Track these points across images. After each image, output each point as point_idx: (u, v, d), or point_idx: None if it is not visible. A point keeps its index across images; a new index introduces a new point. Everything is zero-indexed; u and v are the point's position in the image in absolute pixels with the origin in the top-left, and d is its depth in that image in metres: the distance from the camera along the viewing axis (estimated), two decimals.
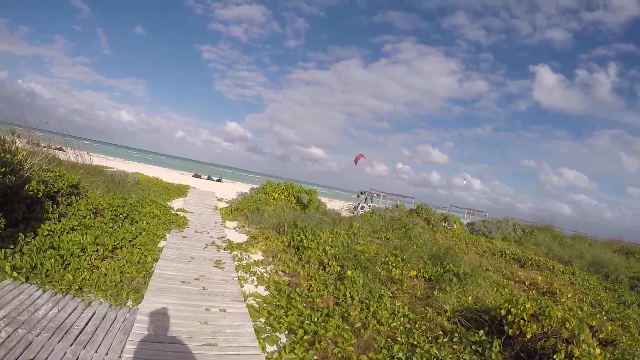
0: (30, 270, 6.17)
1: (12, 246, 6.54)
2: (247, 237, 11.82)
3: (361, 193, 35.56)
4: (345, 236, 12.14)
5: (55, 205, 8.77)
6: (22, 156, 8.18)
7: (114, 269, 6.94)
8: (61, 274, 6.16)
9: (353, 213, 25.19)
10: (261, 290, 7.75)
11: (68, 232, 7.78)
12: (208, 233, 11.13)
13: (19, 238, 6.75)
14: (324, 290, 7.81)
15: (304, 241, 10.40)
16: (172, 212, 12.93)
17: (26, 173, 7.93)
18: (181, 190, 20.36)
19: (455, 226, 21.89)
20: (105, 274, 6.67)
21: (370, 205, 32.97)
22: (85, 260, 6.88)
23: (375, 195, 36.71)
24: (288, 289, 7.65)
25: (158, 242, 9.34)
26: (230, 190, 30.62)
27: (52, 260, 6.40)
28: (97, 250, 7.31)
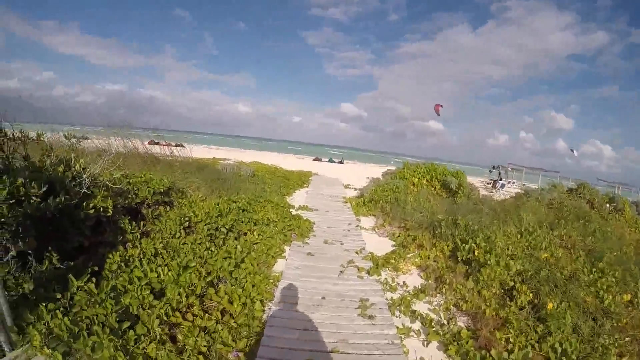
0: (72, 339, 3.60)
1: (58, 295, 4.16)
2: (392, 242, 8.76)
3: (494, 167, 31.93)
4: (519, 236, 8.59)
5: (135, 223, 6.38)
6: (80, 165, 5.78)
7: (199, 331, 4.18)
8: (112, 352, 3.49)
9: (492, 192, 21.63)
10: (433, 351, 4.65)
11: (146, 262, 5.34)
12: (341, 243, 8.12)
13: (71, 282, 4.29)
14: (525, 343, 4.63)
15: (476, 252, 7.02)
16: (293, 212, 10.25)
17: (84, 188, 5.52)
18: (302, 179, 17.99)
19: (625, 209, 16.77)
20: (184, 346, 3.93)
21: (514, 183, 28.56)
22: (158, 318, 4.16)
23: (509, 170, 32.64)
24: (479, 354, 4.37)
25: (272, 266, 6.63)
26: (355, 173, 27.94)
27: (109, 319, 3.85)
28: (179, 294, 4.59)
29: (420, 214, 10.37)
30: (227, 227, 7.22)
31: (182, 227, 6.73)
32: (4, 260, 4.25)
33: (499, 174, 30.07)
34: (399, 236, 9.00)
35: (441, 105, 28.85)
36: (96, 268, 4.84)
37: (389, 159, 79.42)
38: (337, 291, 5.74)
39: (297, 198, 12.99)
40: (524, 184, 30.35)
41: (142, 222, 6.57)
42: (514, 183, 29.53)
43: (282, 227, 8.26)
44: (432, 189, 14.36)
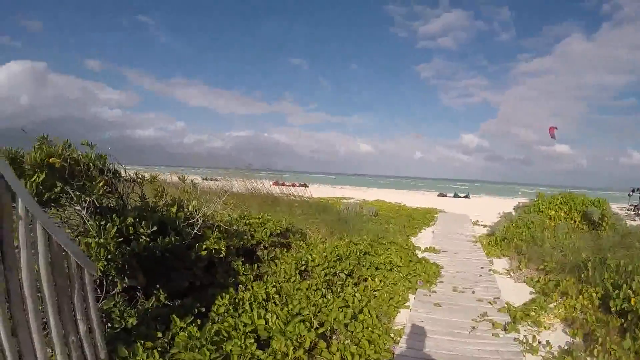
0: None
1: (159, 334, 3.98)
2: (530, 289, 7.58)
3: (633, 191, 27.22)
4: None
5: (249, 264, 6.11)
6: (193, 207, 5.69)
7: None
8: None
9: (635, 220, 18.96)
10: None
11: (257, 306, 4.95)
12: (473, 292, 7.06)
13: (174, 321, 4.08)
14: None
15: (633, 300, 5.61)
16: (418, 254, 9.42)
17: (195, 229, 5.37)
18: (427, 217, 17.03)
19: None
20: None
21: None
22: None
23: None
24: None
25: (394, 318, 5.88)
26: (483, 208, 26.14)
27: None
28: (285, 346, 4.04)
29: (561, 253, 8.99)
30: (347, 272, 6.65)
31: (297, 271, 6.30)
32: (111, 293, 4.33)
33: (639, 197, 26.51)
34: (538, 281, 7.75)
35: (556, 128, 26.33)
36: (203, 309, 4.67)
37: (517, 189, 75.43)
38: (469, 353, 4.81)
39: (423, 238, 12.12)
40: None
41: (256, 264, 6.28)
42: None
43: (407, 273, 7.46)
44: (572, 221, 12.59)
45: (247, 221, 7.53)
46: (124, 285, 4.48)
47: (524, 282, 8.05)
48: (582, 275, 7.26)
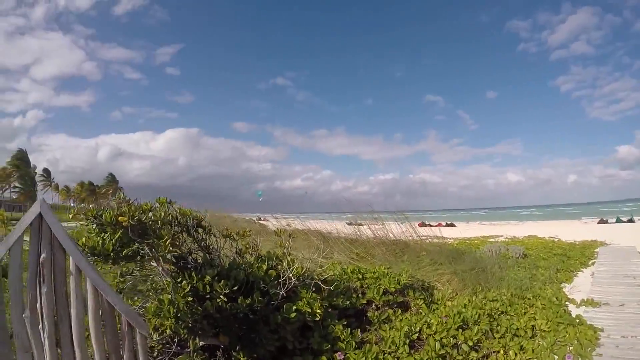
0: None
1: None
2: None
3: None
4: None
5: (352, 328, 5.27)
6: (288, 264, 5.13)
7: None
8: None
9: None
10: None
11: None
12: None
13: None
14: None
15: None
16: (572, 309, 7.67)
17: (283, 290, 4.82)
18: (586, 254, 14.49)
19: None
20: None
21: None
22: None
23: None
24: None
25: None
26: None
27: None
28: None
29: None
30: (472, 343, 5.33)
31: (408, 340, 5.22)
32: (187, 350, 4.39)
33: None
34: None
35: None
36: None
37: None
38: None
39: (580, 284, 10.00)
40: None
41: (358, 329, 5.35)
42: None
43: (553, 342, 5.75)
44: None
45: (360, 275, 6.68)
46: (197, 344, 4.44)
47: None
48: None
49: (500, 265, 10.71)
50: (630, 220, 35.64)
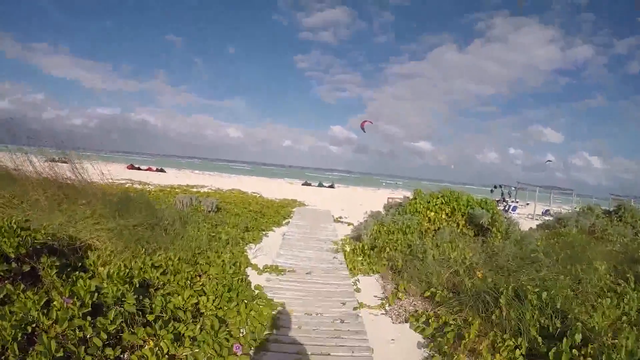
0: None
1: None
2: (417, 336, 5.04)
3: (495, 187, 28.55)
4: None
5: None
6: None
7: None
8: None
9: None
10: None
11: None
12: (328, 355, 4.26)
13: None
14: None
15: None
16: (253, 276, 6.45)
17: None
18: (282, 213, 14.08)
19: None
20: None
21: (527, 205, 25.53)
22: None
23: (513, 188, 29.47)
24: None
25: None
26: (347, 200, 24.19)
27: None
28: None
29: (450, 270, 6.64)
30: (105, 337, 3.23)
31: (22, 335, 2.85)
32: None
33: (502, 193, 27.83)
34: (426, 320, 5.25)
35: (371, 122, 27.79)
36: None
37: (380, 181, 77.91)
38: None
39: (268, 245, 9.10)
40: (527, 203, 28.37)
41: None
42: (527, 204, 28.38)
43: (219, 327, 4.02)
44: (455, 225, 10.45)
45: None
46: None
47: (406, 322, 5.44)
48: (494, 316, 4.76)
49: (186, 220, 8.96)
50: (331, 187, 39.26)
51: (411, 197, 11.57)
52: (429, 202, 10.88)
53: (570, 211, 13.96)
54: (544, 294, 4.88)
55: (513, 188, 29.17)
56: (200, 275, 5.66)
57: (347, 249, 9.32)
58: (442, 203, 10.77)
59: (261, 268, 6.96)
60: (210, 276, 5.64)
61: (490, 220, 9.76)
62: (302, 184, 39.50)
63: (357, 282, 6.92)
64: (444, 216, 10.51)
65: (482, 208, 10.38)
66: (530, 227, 12.41)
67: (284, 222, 12.65)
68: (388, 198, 15.51)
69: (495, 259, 7.53)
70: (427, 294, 6.14)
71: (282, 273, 6.85)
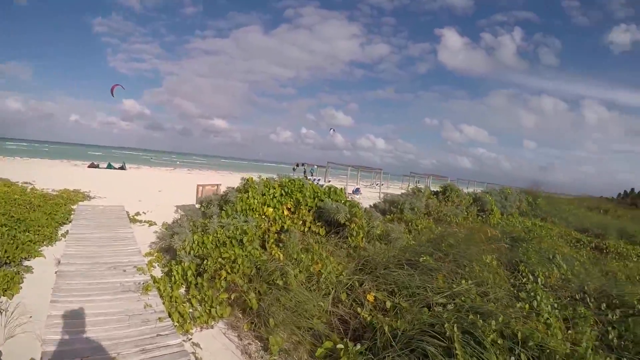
0: None
1: None
2: None
3: (298, 165, 29.08)
4: None
5: None
6: None
7: None
8: None
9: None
10: None
11: None
12: None
13: None
14: None
15: None
16: None
17: None
18: (55, 218, 9.66)
19: (493, 210, 14.50)
20: None
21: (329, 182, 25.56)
22: None
23: (315, 166, 30.63)
24: None
25: None
26: (146, 186, 20.02)
27: None
28: None
29: (328, 296, 4.58)
30: None
31: None
32: None
33: (304, 171, 28.23)
34: None
35: (123, 87, 28.41)
36: None
37: (175, 160, 73.45)
38: None
39: (33, 301, 5.30)
40: (329, 180, 27.53)
41: None
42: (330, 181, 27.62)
43: None
44: (301, 223, 8.23)
45: None
46: None
47: None
48: None
49: None
50: (122, 168, 34.03)
51: (241, 187, 8.84)
52: (264, 194, 8.39)
53: (401, 194, 13.41)
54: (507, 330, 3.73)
55: (315, 166, 30.04)
56: None
57: (159, 272, 6.44)
58: (281, 195, 8.40)
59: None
60: None
61: (350, 215, 7.74)
62: (88, 166, 33.42)
63: (196, 347, 4.23)
64: (286, 212, 8.16)
65: (332, 199, 8.33)
66: (365, 209, 10.92)
67: (60, 235, 8.66)
68: (198, 186, 12.00)
69: (370, 268, 5.68)
70: (320, 352, 3.82)
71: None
